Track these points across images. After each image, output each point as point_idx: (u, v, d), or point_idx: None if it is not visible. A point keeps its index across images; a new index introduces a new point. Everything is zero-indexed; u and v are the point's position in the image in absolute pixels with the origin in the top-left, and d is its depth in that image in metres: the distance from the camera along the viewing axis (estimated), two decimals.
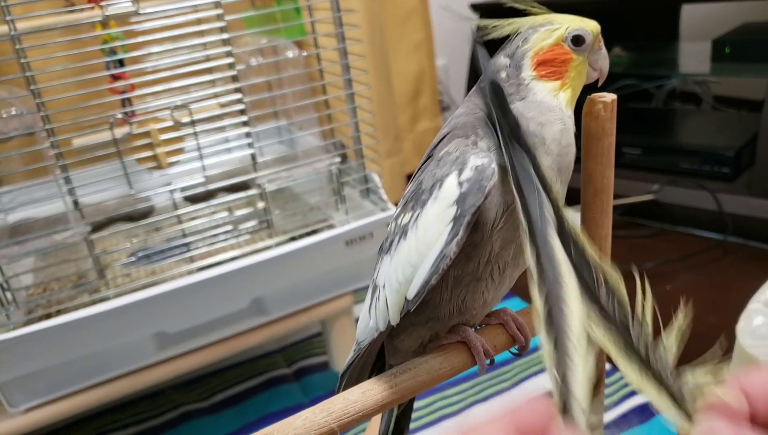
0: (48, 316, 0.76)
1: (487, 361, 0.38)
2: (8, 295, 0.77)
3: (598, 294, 0.31)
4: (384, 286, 0.38)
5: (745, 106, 1.57)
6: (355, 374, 0.45)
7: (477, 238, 0.35)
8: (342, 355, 1.00)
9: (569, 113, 0.38)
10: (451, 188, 0.34)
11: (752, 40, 1.31)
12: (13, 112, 0.78)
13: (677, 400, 0.28)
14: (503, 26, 0.39)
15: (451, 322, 0.39)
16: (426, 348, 0.40)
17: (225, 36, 0.80)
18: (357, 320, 1.07)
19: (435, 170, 0.36)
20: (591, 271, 0.32)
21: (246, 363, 1.08)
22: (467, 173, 0.34)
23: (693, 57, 1.46)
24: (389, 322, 0.37)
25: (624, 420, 0.87)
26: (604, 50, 0.40)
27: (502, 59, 0.39)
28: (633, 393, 0.91)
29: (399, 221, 0.38)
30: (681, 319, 0.31)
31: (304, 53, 0.91)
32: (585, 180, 0.39)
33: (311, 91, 0.91)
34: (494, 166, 0.34)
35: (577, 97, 0.40)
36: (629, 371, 0.29)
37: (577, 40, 0.38)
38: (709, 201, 1.24)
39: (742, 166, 1.28)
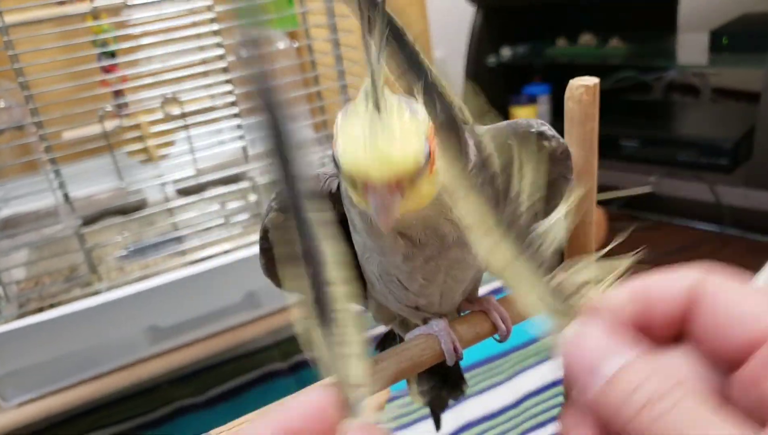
0: (40, 310, 0.76)
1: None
2: (0, 289, 0.77)
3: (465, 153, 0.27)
4: None
5: (743, 98, 1.56)
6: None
7: (359, 256, 0.36)
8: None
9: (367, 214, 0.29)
10: None
11: (750, 31, 1.30)
12: (2, 105, 0.77)
13: (552, 295, 0.24)
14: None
15: (408, 313, 0.39)
16: (407, 330, 0.40)
17: (215, 26, 0.79)
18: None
19: None
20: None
21: (241, 357, 1.08)
22: (272, 195, 0.35)
23: (691, 48, 1.45)
24: None
25: None
26: (378, 206, 0.25)
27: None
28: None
29: None
30: (573, 199, 0.27)
31: (296, 44, 0.91)
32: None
33: (303, 82, 0.90)
34: (273, 203, 0.34)
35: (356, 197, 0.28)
36: (495, 254, 0.25)
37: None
38: (706, 193, 1.24)
39: (739, 157, 1.27)
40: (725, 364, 0.23)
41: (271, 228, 0.35)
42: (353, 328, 0.24)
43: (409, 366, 0.36)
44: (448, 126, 0.28)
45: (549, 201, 0.38)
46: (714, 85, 1.65)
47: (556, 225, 0.27)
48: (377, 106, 0.25)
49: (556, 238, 0.26)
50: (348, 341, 0.24)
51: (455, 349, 0.36)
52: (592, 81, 0.36)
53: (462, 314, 0.40)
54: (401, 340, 0.46)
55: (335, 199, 0.34)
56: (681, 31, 1.57)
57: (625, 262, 0.25)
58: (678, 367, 0.23)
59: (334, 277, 0.24)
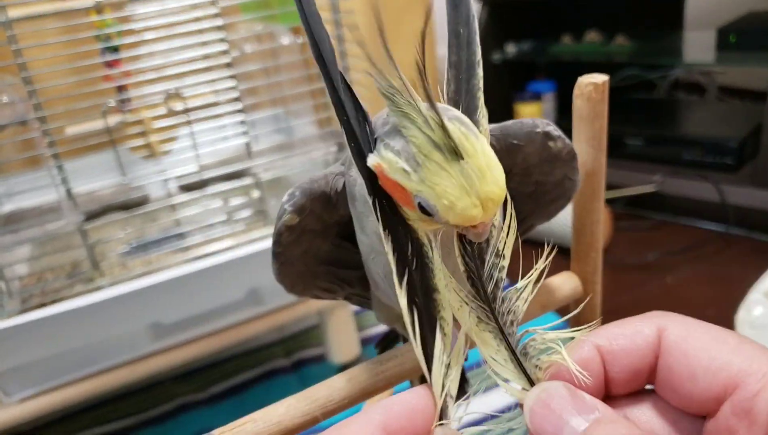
0: (43, 306, 0.76)
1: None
2: (2, 284, 0.77)
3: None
4: None
5: (749, 97, 1.55)
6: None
7: (365, 259, 0.36)
8: (339, 347, 1.00)
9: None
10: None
11: (758, 29, 1.29)
12: (5, 100, 0.77)
13: (519, 360, 0.26)
14: (402, 105, 0.26)
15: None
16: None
17: (219, 22, 0.79)
18: (354, 312, 1.06)
19: None
20: None
21: (244, 354, 1.08)
22: (284, 198, 0.34)
23: (697, 46, 1.44)
24: None
25: None
26: (480, 232, 0.26)
27: (383, 127, 0.27)
28: None
29: None
30: (541, 263, 0.27)
31: (300, 39, 0.90)
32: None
33: (307, 78, 0.90)
34: (287, 206, 0.33)
35: (429, 229, 0.28)
36: (464, 315, 0.26)
37: (425, 210, 0.26)
38: (711, 192, 1.23)
39: (745, 157, 1.27)
40: (696, 411, 0.22)
41: (285, 231, 0.35)
42: (451, 338, 0.26)
43: (414, 367, 0.35)
44: None
45: (554, 201, 0.37)
46: (720, 84, 1.64)
47: (527, 288, 0.27)
48: (457, 153, 0.25)
49: (526, 299, 0.27)
50: (446, 350, 0.25)
51: (459, 348, 0.36)
52: (601, 78, 0.35)
53: None
54: (404, 340, 0.46)
55: (339, 198, 0.34)
56: (687, 28, 1.56)
57: (583, 332, 0.26)
58: (646, 420, 0.23)
59: (438, 283, 0.26)
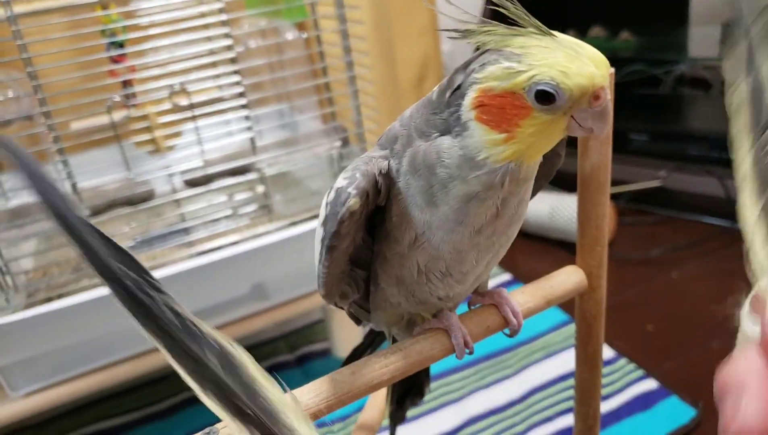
0: (48, 301, 0.76)
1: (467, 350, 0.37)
2: (8, 278, 0.77)
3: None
4: None
5: None
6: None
7: (398, 249, 0.35)
8: (344, 342, 1.00)
9: (508, 167, 0.30)
10: (323, 206, 0.33)
11: (764, 23, 1.28)
12: (11, 95, 0.77)
13: None
14: (476, 32, 0.30)
15: (426, 308, 0.38)
16: (412, 331, 0.39)
17: (224, 17, 0.79)
18: None
19: None
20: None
21: (248, 349, 1.07)
22: (330, 195, 0.33)
23: (702, 41, 1.44)
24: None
25: (626, 407, 0.86)
26: (604, 108, 0.29)
27: (457, 76, 0.30)
28: (635, 381, 0.90)
29: None
30: None
31: (305, 35, 0.90)
32: (582, 156, 0.38)
33: (312, 73, 0.90)
34: (351, 190, 0.31)
35: (540, 150, 0.31)
36: (748, 205, 0.26)
37: (544, 97, 0.28)
38: (716, 187, 1.22)
39: None
40: None
41: (348, 218, 0.32)
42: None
43: (419, 360, 0.36)
44: None
45: (545, 177, 0.37)
46: (725, 79, 1.63)
47: None
48: (548, 33, 0.28)
49: None
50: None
51: (466, 344, 0.36)
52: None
53: (473, 308, 0.40)
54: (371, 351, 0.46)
55: (383, 182, 0.33)
56: (692, 23, 1.55)
57: None
58: None
59: None
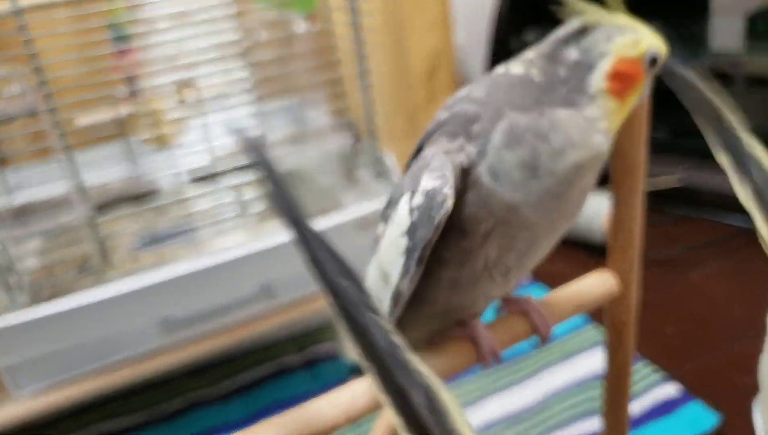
0: (53, 300, 0.75)
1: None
2: (13, 277, 0.76)
3: None
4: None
5: None
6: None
7: (467, 244, 0.32)
8: (352, 343, 0.98)
9: (608, 143, 0.33)
10: (403, 214, 0.31)
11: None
12: (15, 91, 0.76)
13: None
14: (585, 11, 0.34)
15: (456, 316, 0.36)
16: (434, 339, 0.37)
17: (232, 9, 0.77)
18: None
19: (406, 178, 0.33)
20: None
21: (256, 350, 1.07)
22: (417, 199, 0.30)
23: (725, 34, 1.40)
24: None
25: (647, 412, 0.83)
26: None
27: (569, 53, 0.33)
28: (656, 384, 0.87)
29: (378, 230, 0.35)
30: None
31: (315, 27, 0.88)
32: (615, 157, 0.36)
33: (322, 67, 0.88)
34: (447, 190, 0.29)
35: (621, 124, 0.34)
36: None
37: (653, 61, 0.33)
38: None
39: None
40: None
41: (443, 222, 0.30)
42: None
43: (444, 370, 0.33)
44: None
45: None
46: (749, 73, 1.60)
47: None
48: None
49: None
50: None
51: (493, 352, 0.34)
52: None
53: (500, 316, 0.37)
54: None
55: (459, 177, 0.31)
56: (715, 15, 1.51)
57: None
58: None
59: None
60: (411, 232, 0.30)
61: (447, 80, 1.58)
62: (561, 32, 0.34)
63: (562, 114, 0.31)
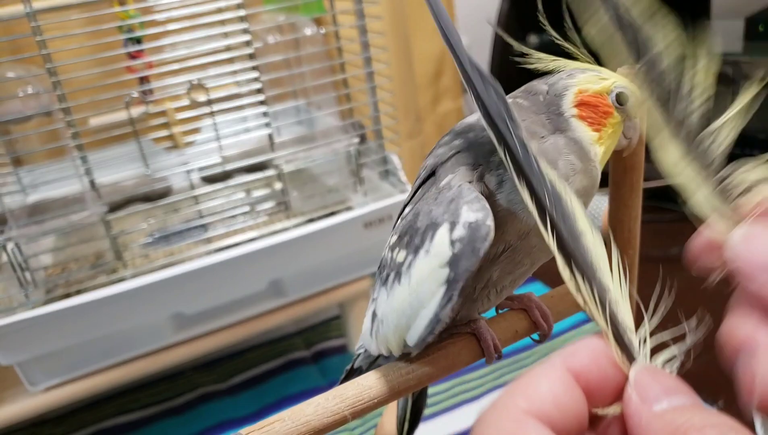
0: (67, 296, 0.76)
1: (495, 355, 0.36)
2: (27, 274, 0.77)
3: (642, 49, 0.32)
4: (383, 322, 0.36)
5: None
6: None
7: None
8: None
9: (599, 171, 0.34)
10: (443, 246, 0.31)
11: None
12: (30, 91, 0.77)
13: (719, 196, 0.27)
14: (547, 61, 0.36)
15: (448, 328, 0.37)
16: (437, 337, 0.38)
17: (242, 13, 0.78)
18: None
19: (432, 207, 0.33)
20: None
21: (265, 345, 1.08)
22: (459, 231, 0.31)
23: (724, 35, 1.41)
24: (392, 353, 0.36)
25: None
26: (637, 121, 0.36)
27: (540, 85, 0.36)
28: None
29: (394, 255, 0.35)
30: (745, 98, 0.29)
31: (323, 30, 0.90)
32: (614, 157, 0.37)
33: (330, 69, 0.89)
34: (489, 222, 0.30)
35: (607, 157, 0.35)
36: (664, 151, 0.28)
37: (621, 98, 0.34)
38: None
39: None
40: None
41: (482, 257, 0.30)
42: (616, 275, 0.26)
43: (446, 365, 0.35)
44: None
45: None
46: (748, 74, 1.61)
47: (725, 125, 0.29)
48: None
49: (726, 138, 0.29)
50: (614, 288, 0.26)
51: (495, 349, 0.35)
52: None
53: (501, 312, 0.39)
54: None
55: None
56: (715, 17, 1.52)
57: None
58: None
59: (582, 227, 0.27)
60: (453, 263, 0.30)
61: (452, 82, 1.59)
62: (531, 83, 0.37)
63: (562, 140, 0.33)
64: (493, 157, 0.33)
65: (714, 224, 0.26)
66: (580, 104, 0.34)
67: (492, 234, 0.30)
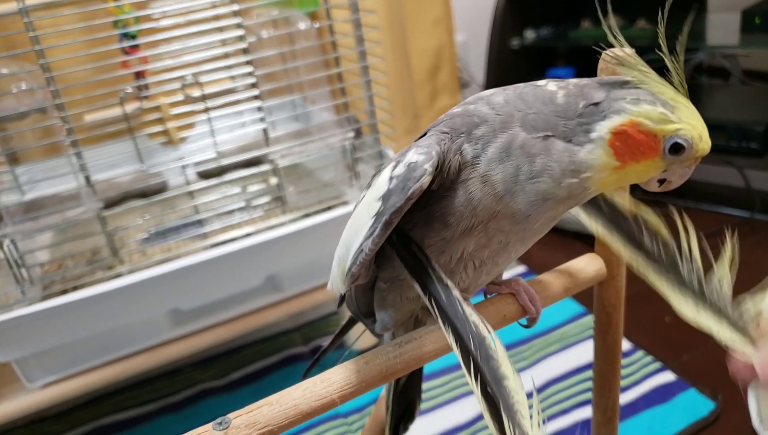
0: (64, 293, 0.77)
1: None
2: (23, 271, 0.77)
3: (641, 240, 0.34)
4: (335, 257, 0.37)
5: None
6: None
7: (449, 235, 0.34)
8: (358, 334, 0.99)
9: (588, 192, 0.33)
10: (383, 180, 0.32)
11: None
12: (24, 88, 0.77)
13: (738, 327, 0.32)
14: (635, 66, 0.33)
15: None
16: (423, 320, 0.39)
17: (236, 7, 0.78)
18: None
19: (401, 153, 0.34)
20: (629, 221, 0.35)
21: (263, 341, 1.08)
22: (399, 169, 0.32)
23: (721, 29, 1.41)
24: (339, 289, 0.38)
25: (643, 400, 0.84)
26: (690, 171, 0.33)
27: (598, 91, 0.32)
28: (653, 373, 0.89)
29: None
30: (729, 250, 0.34)
31: (317, 25, 0.90)
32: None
33: (324, 63, 0.89)
34: (428, 166, 0.30)
35: (620, 186, 0.34)
36: (684, 308, 0.33)
37: (676, 149, 0.31)
38: (736, 178, 1.20)
39: None
40: None
41: (417, 195, 0.31)
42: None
43: (433, 350, 0.35)
44: None
45: None
46: (745, 67, 1.60)
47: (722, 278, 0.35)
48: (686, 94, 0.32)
49: (726, 288, 0.35)
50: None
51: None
52: (628, 51, 0.34)
53: (489, 297, 0.39)
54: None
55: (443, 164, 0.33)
56: (711, 10, 1.52)
57: None
58: None
59: (506, 371, 0.30)
60: (385, 197, 0.32)
61: (449, 78, 1.59)
62: (610, 77, 0.34)
63: (557, 146, 0.32)
64: (477, 128, 0.33)
65: (741, 349, 0.31)
66: (620, 133, 0.31)
67: (426, 178, 0.31)
